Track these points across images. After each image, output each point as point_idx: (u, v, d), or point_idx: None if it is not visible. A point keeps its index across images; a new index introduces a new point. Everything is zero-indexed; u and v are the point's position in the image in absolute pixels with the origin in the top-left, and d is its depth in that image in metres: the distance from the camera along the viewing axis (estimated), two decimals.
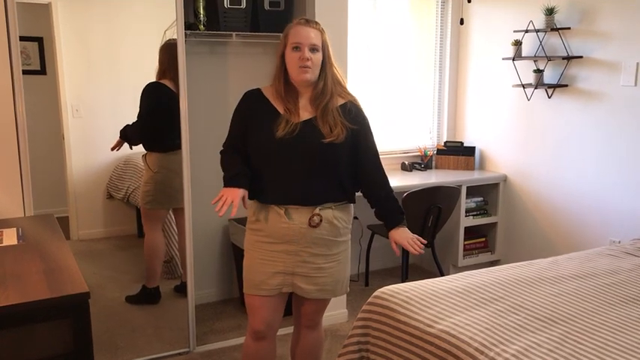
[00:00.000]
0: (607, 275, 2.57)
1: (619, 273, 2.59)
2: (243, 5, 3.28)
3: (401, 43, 4.44)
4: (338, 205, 2.27)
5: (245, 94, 2.33)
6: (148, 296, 3.35)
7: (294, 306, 2.44)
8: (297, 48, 2.15)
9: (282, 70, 2.22)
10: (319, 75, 2.21)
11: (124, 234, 3.37)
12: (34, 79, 2.95)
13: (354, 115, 2.25)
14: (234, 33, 3.31)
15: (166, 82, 3.12)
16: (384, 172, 2.36)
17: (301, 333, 2.48)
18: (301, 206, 2.21)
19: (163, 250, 3.37)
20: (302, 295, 2.30)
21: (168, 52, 3.05)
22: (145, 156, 3.25)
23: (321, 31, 2.22)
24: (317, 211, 2.21)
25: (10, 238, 2.16)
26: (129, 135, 3.18)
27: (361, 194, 2.38)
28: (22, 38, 2.61)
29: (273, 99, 2.25)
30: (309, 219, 2.20)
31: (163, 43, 3.12)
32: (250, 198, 2.28)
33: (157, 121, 3.23)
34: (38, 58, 3.01)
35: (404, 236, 2.28)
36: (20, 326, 1.62)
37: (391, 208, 2.33)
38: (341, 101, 2.26)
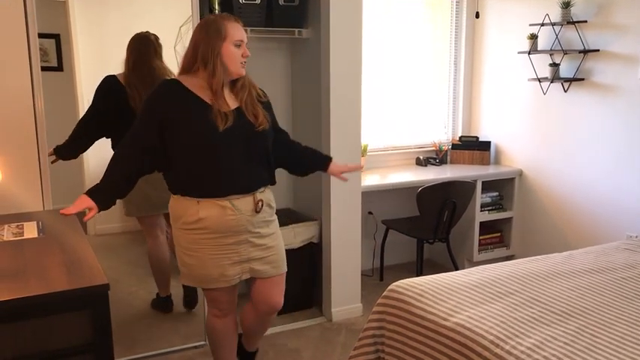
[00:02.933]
0: (624, 269, 2.55)
1: (636, 267, 2.58)
2: (258, 0, 3.29)
3: (416, 37, 4.43)
4: (267, 187, 2.39)
5: (163, 85, 2.26)
6: (159, 303, 3.34)
7: (256, 296, 2.42)
8: (239, 45, 2.24)
9: (218, 62, 2.18)
10: None
11: (140, 229, 3.38)
12: (51, 76, 2.97)
13: (261, 97, 2.37)
14: (249, 28, 3.31)
15: (121, 77, 2.96)
16: None
17: (261, 317, 2.47)
18: (243, 195, 2.26)
19: (166, 255, 3.22)
20: (260, 276, 2.37)
21: (141, 44, 2.99)
22: None
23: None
24: (259, 196, 2.29)
25: (31, 231, 2.20)
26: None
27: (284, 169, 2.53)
28: (39, 35, 2.63)
29: (197, 89, 2.21)
30: (255, 205, 2.27)
31: (136, 34, 3.01)
32: (182, 195, 2.25)
33: (106, 118, 2.98)
34: (55, 54, 3.04)
35: (342, 166, 2.58)
36: (41, 317, 1.64)
37: (315, 150, 2.59)
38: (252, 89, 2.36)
